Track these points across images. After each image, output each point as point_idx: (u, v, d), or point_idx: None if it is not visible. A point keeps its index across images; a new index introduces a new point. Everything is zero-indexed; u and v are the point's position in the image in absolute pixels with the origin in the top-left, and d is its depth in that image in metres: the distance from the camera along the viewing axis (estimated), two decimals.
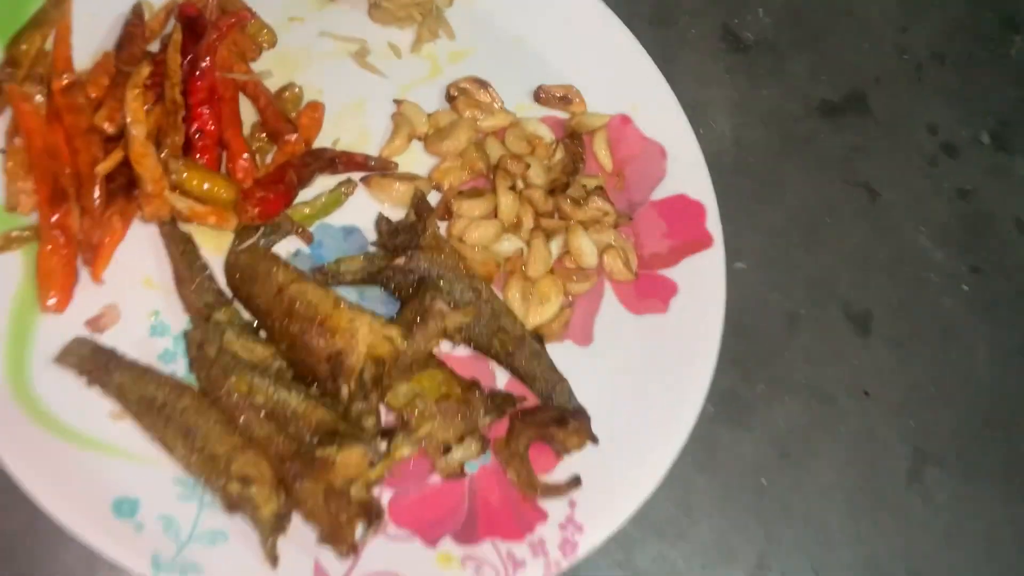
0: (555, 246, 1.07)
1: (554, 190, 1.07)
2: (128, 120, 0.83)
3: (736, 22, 1.38)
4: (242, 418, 0.80)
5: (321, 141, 1.02)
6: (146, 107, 0.86)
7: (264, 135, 0.97)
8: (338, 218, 1.01)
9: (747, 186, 1.26)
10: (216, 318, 0.81)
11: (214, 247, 0.94)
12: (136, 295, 0.89)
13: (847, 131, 1.34)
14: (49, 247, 0.82)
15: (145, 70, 0.85)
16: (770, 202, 1.26)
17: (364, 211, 1.02)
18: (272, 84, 1.01)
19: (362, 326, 0.82)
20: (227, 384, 0.79)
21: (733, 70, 1.34)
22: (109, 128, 0.85)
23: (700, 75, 1.30)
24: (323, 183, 0.99)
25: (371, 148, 1.05)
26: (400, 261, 0.93)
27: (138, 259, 0.90)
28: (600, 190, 1.13)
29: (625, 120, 1.19)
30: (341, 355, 0.82)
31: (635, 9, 1.27)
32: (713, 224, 1.14)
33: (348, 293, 0.95)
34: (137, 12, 0.93)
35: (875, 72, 1.40)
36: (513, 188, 1.06)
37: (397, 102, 1.08)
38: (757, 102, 1.33)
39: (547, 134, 1.12)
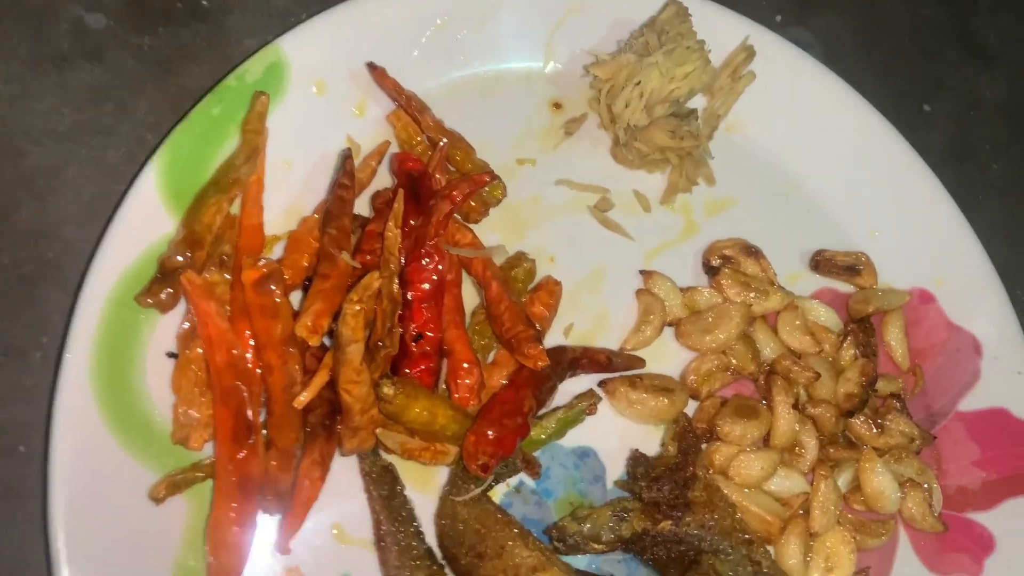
0: (842, 482, 0.81)
1: (851, 411, 0.81)
2: (343, 339, 0.62)
3: None
4: None
5: (553, 328, 0.80)
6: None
7: (489, 331, 0.74)
8: (569, 436, 0.78)
9: None
10: None
11: (418, 483, 0.72)
12: (324, 553, 0.68)
13: None
14: (227, 506, 0.62)
15: (376, 282, 0.63)
16: None
17: (600, 426, 0.78)
18: (500, 256, 0.78)
19: None
20: None
21: None
22: (314, 341, 0.64)
23: (1006, 229, 1.01)
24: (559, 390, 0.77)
25: (611, 333, 0.82)
26: (665, 527, 0.69)
27: (327, 501, 0.69)
28: (898, 400, 0.86)
29: (926, 297, 0.91)
30: None
31: (928, 142, 1.00)
32: None
33: None
34: (348, 168, 0.72)
35: None
36: (795, 405, 0.81)
37: (644, 274, 0.84)
38: None
39: (835, 323, 0.86)
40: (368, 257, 0.71)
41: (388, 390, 0.65)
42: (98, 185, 0.75)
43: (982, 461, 0.87)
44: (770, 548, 0.76)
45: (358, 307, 0.61)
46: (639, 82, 0.80)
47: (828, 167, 0.92)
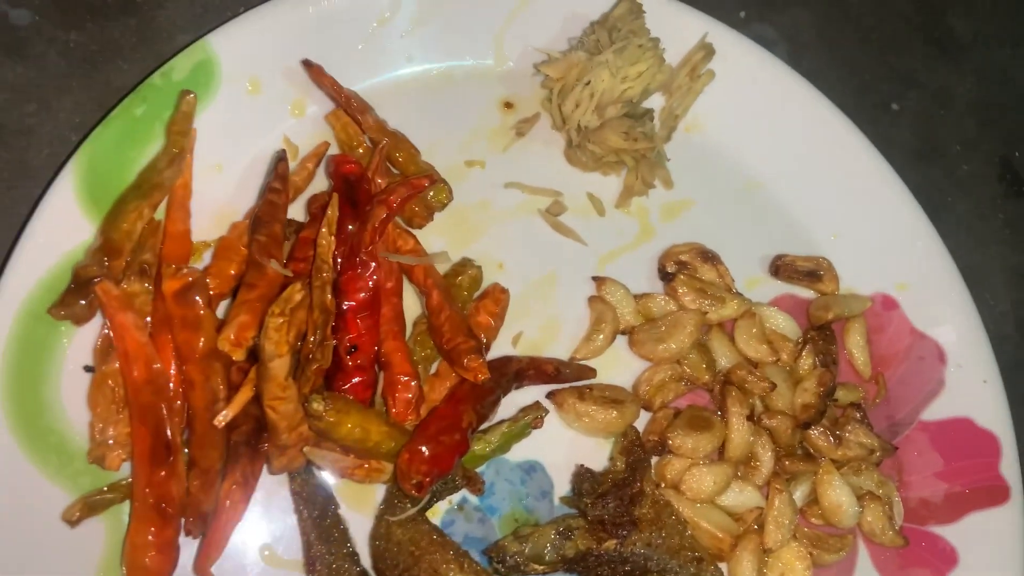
0: (799, 496, 0.79)
1: (808, 422, 0.78)
2: (264, 353, 0.59)
3: (1017, 155, 1.05)
4: None
5: (501, 336, 0.76)
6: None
7: (431, 341, 0.71)
8: (515, 449, 0.75)
9: None
10: None
11: (354, 501, 0.69)
12: (253, 575, 0.65)
13: None
14: (144, 530, 0.58)
15: (298, 294, 0.60)
16: None
17: (548, 439, 0.75)
18: (445, 263, 0.75)
19: None
20: None
21: (1014, 223, 1.02)
22: (237, 355, 0.61)
23: (973, 229, 0.99)
24: (503, 401, 0.74)
25: (562, 342, 0.79)
26: (610, 546, 0.67)
27: (256, 521, 0.66)
28: (858, 410, 0.83)
29: (889, 303, 0.88)
30: None
31: (893, 136, 0.97)
32: (1009, 469, 0.83)
33: None
34: (280, 172, 0.68)
35: None
36: (750, 416, 0.78)
37: (597, 280, 0.81)
38: None
39: (793, 331, 0.83)
40: (301, 265, 0.68)
41: (318, 406, 0.62)
42: (20, 189, 0.71)
43: (945, 472, 0.84)
44: (722, 565, 0.74)
45: (281, 320, 0.58)
46: (589, 81, 0.76)
47: (789, 169, 0.89)
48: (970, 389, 0.85)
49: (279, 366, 0.60)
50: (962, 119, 1.06)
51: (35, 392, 0.62)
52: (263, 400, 0.61)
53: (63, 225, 0.65)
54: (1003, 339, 0.96)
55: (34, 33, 0.75)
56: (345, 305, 0.66)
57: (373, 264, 0.67)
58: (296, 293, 0.59)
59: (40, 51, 0.75)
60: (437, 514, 0.70)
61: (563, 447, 0.75)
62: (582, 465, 0.72)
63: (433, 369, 0.74)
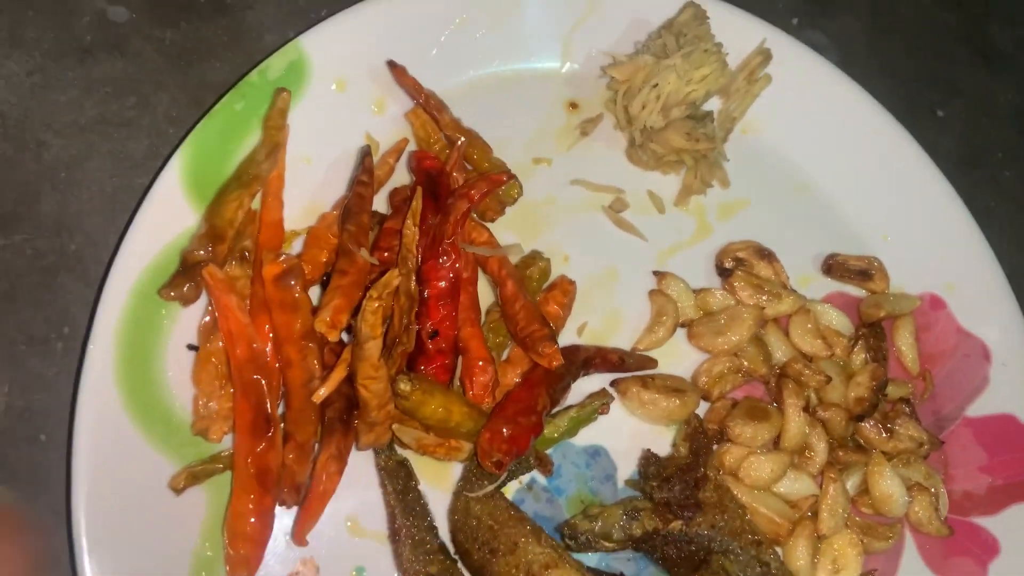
0: (851, 485, 0.82)
1: (862, 415, 0.81)
2: (361, 335, 0.63)
3: None
4: None
5: (567, 327, 0.80)
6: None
7: (503, 328, 0.75)
8: (581, 435, 0.78)
9: None
10: None
11: (433, 478, 0.73)
12: (339, 545, 0.69)
13: None
14: (245, 498, 0.63)
15: (395, 280, 0.63)
16: None
17: (612, 425, 0.78)
18: (516, 254, 0.79)
19: None
20: None
21: None
22: (332, 336, 0.65)
23: (1016, 234, 1.02)
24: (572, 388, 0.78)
25: (624, 333, 0.82)
26: (675, 527, 0.70)
27: (342, 493, 0.69)
28: (907, 405, 0.86)
29: (937, 303, 0.92)
30: None
31: (939, 144, 1.00)
32: None
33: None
34: (367, 166, 0.72)
35: None
36: (805, 408, 0.81)
37: (657, 275, 0.85)
38: None
39: (846, 327, 0.87)
40: (386, 254, 0.72)
41: (405, 386, 0.66)
42: (120, 178, 0.76)
43: (988, 466, 0.87)
44: (778, 549, 0.77)
45: (377, 304, 0.62)
46: (656, 84, 0.80)
47: (841, 170, 0.93)
48: (1014, 387, 0.88)
49: (373, 347, 0.64)
50: (1004, 127, 1.09)
51: (144, 369, 0.66)
52: (356, 379, 0.65)
53: (169, 213, 0.69)
54: None
55: (132, 31, 0.80)
56: (427, 292, 0.70)
57: (453, 255, 0.71)
58: (394, 279, 0.63)
59: (138, 48, 0.80)
60: (508, 493, 0.74)
61: (626, 433, 0.79)
62: (648, 450, 0.75)
63: (504, 356, 0.78)
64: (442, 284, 0.70)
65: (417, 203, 0.70)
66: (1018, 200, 1.04)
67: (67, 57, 0.78)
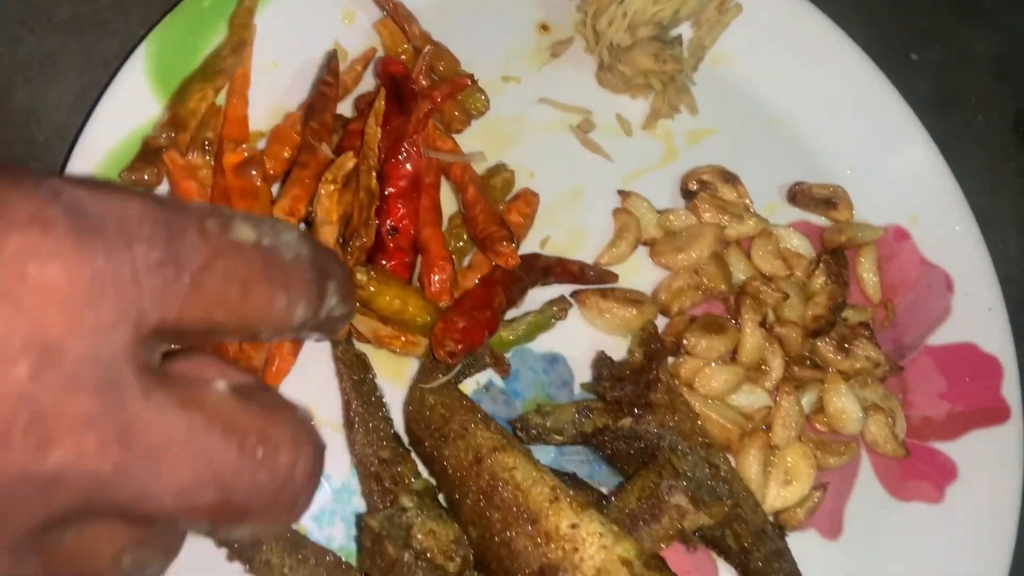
0: (806, 402, 0.83)
1: (817, 332, 0.82)
2: (317, 219, 0.64)
3: None
4: None
5: (529, 239, 0.81)
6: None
7: (465, 234, 0.76)
8: (540, 341, 0.79)
9: None
10: (402, 503, 0.62)
11: (390, 373, 0.74)
12: None
13: None
14: None
15: (349, 163, 0.65)
16: None
17: (571, 335, 0.80)
18: (480, 163, 0.80)
19: (589, 538, 0.60)
20: None
21: None
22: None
23: (986, 178, 1.02)
24: (529, 296, 0.79)
25: (588, 249, 0.83)
26: (626, 424, 0.71)
27: (297, 384, 0.71)
28: (866, 328, 0.87)
29: (901, 235, 0.93)
30: (557, 573, 0.61)
31: (913, 87, 1.01)
32: (1011, 391, 0.87)
33: (544, 447, 0.74)
34: (332, 68, 0.74)
35: None
36: (762, 323, 0.82)
37: (622, 194, 0.86)
38: None
39: (807, 250, 0.88)
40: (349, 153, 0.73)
41: (362, 276, 0.67)
42: (91, 75, 0.77)
43: (948, 393, 0.88)
44: (730, 458, 0.78)
45: (333, 187, 0.64)
46: (623, 0, 0.82)
47: (811, 104, 0.93)
48: (975, 316, 0.89)
49: (329, 232, 0.65)
50: (980, 73, 1.10)
51: None
52: None
53: (133, 102, 0.70)
54: (1010, 280, 1.00)
55: None
56: (387, 191, 0.72)
57: (415, 154, 0.72)
58: (348, 161, 0.64)
59: None
60: (465, 392, 0.75)
61: (584, 343, 0.80)
62: (602, 351, 0.77)
63: (466, 262, 0.79)
64: (402, 183, 0.72)
65: (380, 103, 0.71)
66: (989, 144, 1.05)
67: None
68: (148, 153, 0.67)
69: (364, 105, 0.76)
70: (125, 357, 0.28)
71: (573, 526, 0.61)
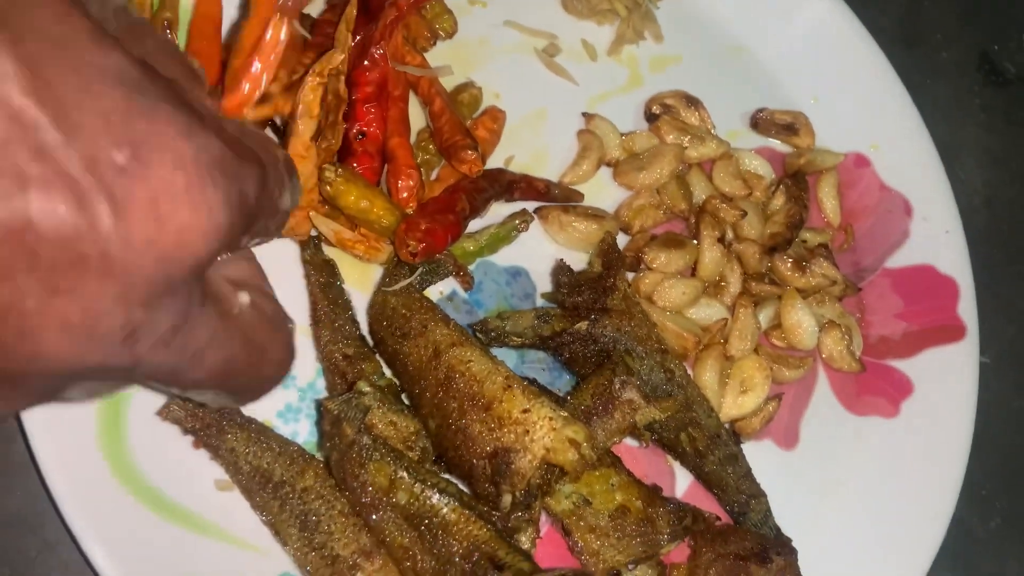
0: (763, 318, 0.85)
1: (774, 248, 0.84)
2: (299, 111, 0.66)
3: (996, 49, 1.11)
4: (375, 516, 0.63)
5: (494, 157, 0.83)
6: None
7: (432, 147, 0.78)
8: (503, 255, 0.82)
9: (998, 259, 1.00)
10: (360, 387, 0.64)
11: (356, 280, 0.77)
12: None
13: None
14: None
15: (337, 59, 0.66)
16: None
17: (534, 249, 0.82)
18: (448, 82, 0.82)
19: (540, 422, 0.63)
20: (363, 474, 0.62)
21: (990, 108, 1.07)
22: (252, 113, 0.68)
23: (950, 112, 1.04)
24: (492, 211, 0.81)
25: (550, 170, 0.85)
26: (582, 326, 0.73)
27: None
28: (824, 249, 0.90)
29: (861, 161, 0.95)
30: (508, 454, 0.63)
31: (879, 23, 1.03)
32: (967, 310, 0.89)
33: (506, 355, 0.77)
34: None
35: None
36: (721, 240, 0.85)
37: (586, 116, 0.88)
38: (1017, 152, 1.07)
39: (767, 172, 0.90)
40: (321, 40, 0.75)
41: (330, 172, 0.69)
42: None
43: (905, 313, 0.90)
44: (687, 368, 0.81)
45: (318, 81, 0.65)
46: None
47: (776, 33, 0.95)
48: (933, 239, 0.91)
49: (308, 125, 0.67)
50: (945, 13, 1.12)
51: None
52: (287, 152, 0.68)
53: None
54: (972, 211, 1.02)
55: None
56: (355, 96, 0.74)
57: (381, 61, 0.74)
58: (335, 55, 0.66)
59: None
60: None
61: (547, 258, 0.82)
62: (562, 260, 0.79)
63: (433, 176, 0.81)
64: (369, 89, 0.74)
65: (352, 8, 0.73)
66: (951, 79, 1.07)
67: None
68: None
69: (334, 11, 0.77)
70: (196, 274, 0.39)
71: (525, 411, 0.64)
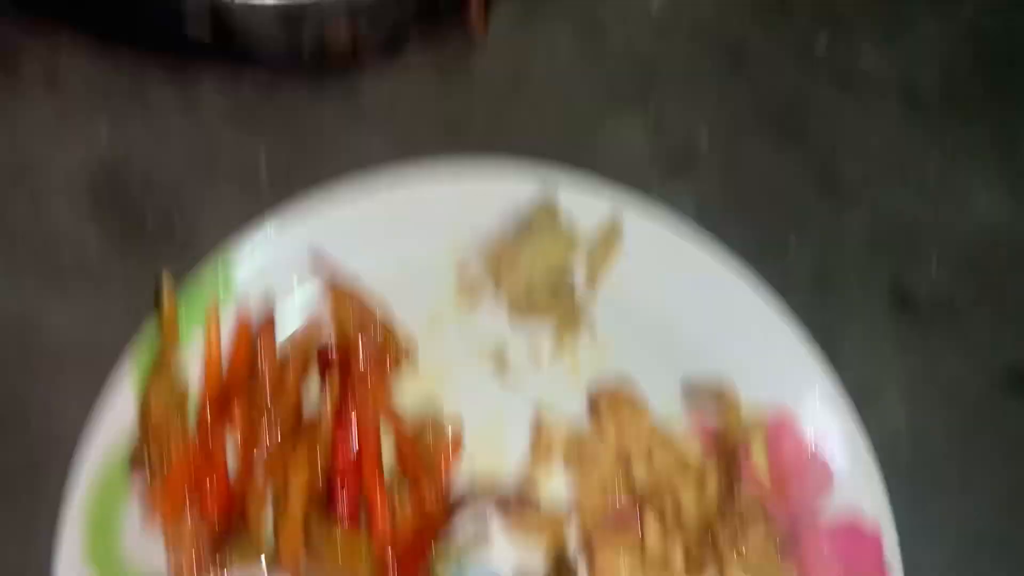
0: None
1: (709, 527, 0.96)
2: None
3: (907, 282, 1.23)
4: None
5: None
6: None
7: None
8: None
9: (926, 489, 1.10)
10: None
11: None
12: None
13: None
14: None
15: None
16: (957, 510, 1.10)
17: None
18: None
19: None
20: None
21: (905, 341, 1.19)
22: None
23: (867, 352, 1.16)
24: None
25: (507, 467, 1.00)
26: None
27: None
28: (760, 509, 1.01)
29: (783, 421, 1.07)
30: None
31: (795, 268, 1.15)
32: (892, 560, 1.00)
33: None
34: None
35: None
36: (663, 518, 0.97)
37: (538, 415, 1.02)
38: (934, 379, 1.18)
39: (695, 454, 1.02)
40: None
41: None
42: None
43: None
44: None
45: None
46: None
47: (697, 314, 1.08)
48: (854, 490, 1.02)
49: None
50: (856, 251, 1.24)
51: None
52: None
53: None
54: (895, 448, 1.11)
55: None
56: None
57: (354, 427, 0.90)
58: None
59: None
60: None
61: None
62: None
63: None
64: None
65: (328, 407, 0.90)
66: (865, 318, 1.19)
67: None
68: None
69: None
70: None
71: None
